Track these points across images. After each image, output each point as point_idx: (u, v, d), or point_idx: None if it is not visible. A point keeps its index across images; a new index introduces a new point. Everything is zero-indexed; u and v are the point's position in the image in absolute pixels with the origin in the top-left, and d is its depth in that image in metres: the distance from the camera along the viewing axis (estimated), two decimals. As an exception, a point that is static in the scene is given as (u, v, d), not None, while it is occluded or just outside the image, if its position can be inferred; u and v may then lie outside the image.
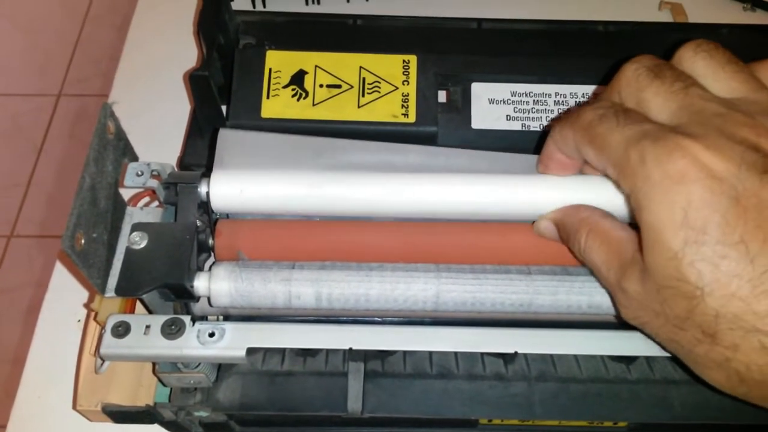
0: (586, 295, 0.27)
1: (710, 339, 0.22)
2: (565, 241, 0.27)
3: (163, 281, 0.26)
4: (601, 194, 0.27)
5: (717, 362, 0.22)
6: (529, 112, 0.37)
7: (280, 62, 0.37)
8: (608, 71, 0.36)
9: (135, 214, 0.29)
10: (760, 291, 0.20)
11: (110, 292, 0.26)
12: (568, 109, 0.37)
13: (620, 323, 0.28)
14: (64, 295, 0.37)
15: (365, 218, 0.29)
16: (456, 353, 0.29)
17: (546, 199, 0.28)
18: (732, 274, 0.21)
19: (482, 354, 0.29)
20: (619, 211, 0.27)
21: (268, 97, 0.36)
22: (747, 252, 0.20)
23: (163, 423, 0.31)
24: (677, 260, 0.21)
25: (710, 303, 0.21)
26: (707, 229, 0.21)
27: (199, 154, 0.36)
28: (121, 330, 0.26)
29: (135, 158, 0.29)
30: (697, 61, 0.25)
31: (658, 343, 0.25)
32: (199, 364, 0.27)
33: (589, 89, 0.37)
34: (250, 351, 0.27)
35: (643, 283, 0.23)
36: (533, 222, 0.29)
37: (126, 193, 0.30)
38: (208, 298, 0.28)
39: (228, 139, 0.29)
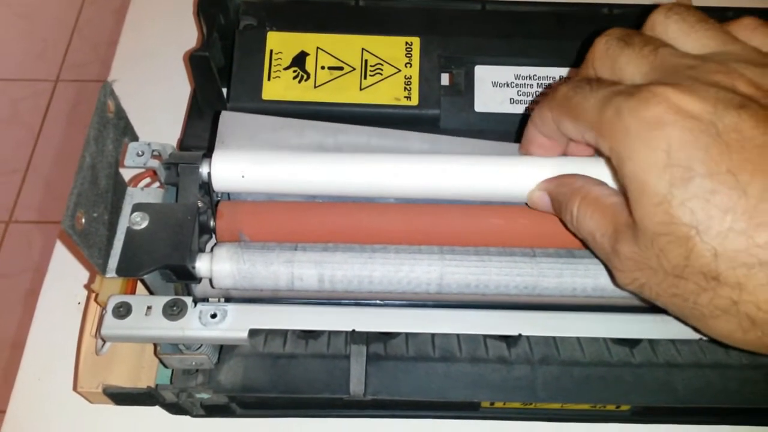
0: (592, 278, 0.27)
1: (714, 282, 0.21)
2: (558, 212, 0.27)
3: (165, 262, 0.26)
4: (591, 172, 0.27)
5: (723, 308, 0.21)
6: (532, 96, 0.37)
7: (281, 44, 0.37)
8: (579, 52, 0.36)
9: (135, 195, 0.29)
10: (758, 222, 0.20)
11: (111, 272, 0.26)
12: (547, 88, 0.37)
13: (625, 307, 0.28)
14: (64, 278, 0.37)
15: (367, 198, 0.29)
16: (459, 336, 0.29)
17: (536, 178, 0.27)
18: (725, 208, 0.20)
19: (485, 337, 0.29)
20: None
21: (269, 79, 0.36)
22: (737, 183, 0.20)
23: (165, 405, 0.31)
24: (666, 203, 0.21)
25: (707, 242, 0.21)
26: (692, 166, 0.21)
27: (200, 135, 0.36)
28: (123, 311, 0.26)
29: (135, 138, 0.29)
30: (669, 24, 0.25)
31: (660, 307, 0.24)
32: (201, 345, 0.27)
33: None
34: (252, 332, 0.27)
35: (636, 241, 0.22)
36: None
37: (126, 174, 0.29)
38: (210, 280, 0.27)
39: (229, 121, 0.29)
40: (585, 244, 0.26)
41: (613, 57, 0.25)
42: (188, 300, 0.27)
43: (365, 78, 0.36)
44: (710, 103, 0.21)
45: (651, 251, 0.22)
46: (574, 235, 0.26)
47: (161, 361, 0.28)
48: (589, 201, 0.25)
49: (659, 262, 0.22)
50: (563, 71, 0.37)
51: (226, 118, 0.29)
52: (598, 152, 0.25)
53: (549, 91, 0.28)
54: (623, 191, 0.23)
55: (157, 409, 0.31)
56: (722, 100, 0.21)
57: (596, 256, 0.26)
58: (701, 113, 0.21)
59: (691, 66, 0.23)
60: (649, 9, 0.41)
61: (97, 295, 0.28)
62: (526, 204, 0.28)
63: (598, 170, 0.26)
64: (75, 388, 0.30)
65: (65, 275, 0.37)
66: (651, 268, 0.22)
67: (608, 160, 0.23)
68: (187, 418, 0.32)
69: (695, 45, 0.24)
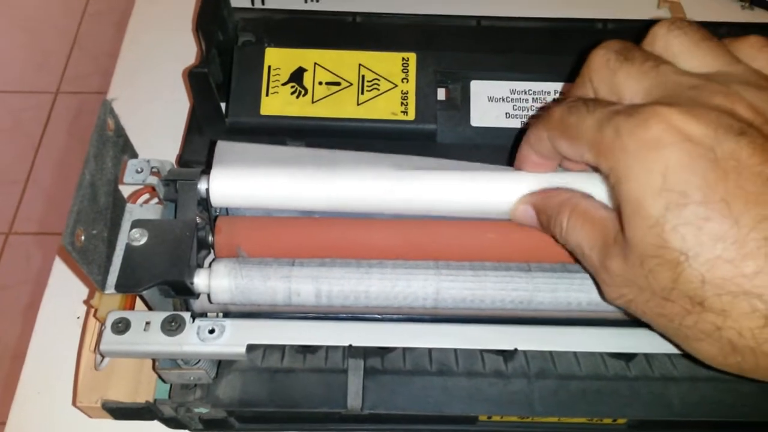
0: (586, 292, 0.27)
1: (699, 308, 0.21)
2: (545, 225, 0.27)
3: (163, 278, 0.26)
4: (579, 187, 0.27)
5: (707, 333, 0.22)
6: (528, 110, 0.37)
7: (279, 60, 0.37)
8: (574, 66, 0.36)
9: (135, 211, 0.29)
10: (746, 252, 0.20)
11: (110, 288, 0.26)
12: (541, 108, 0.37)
13: (620, 321, 0.28)
14: (64, 291, 0.37)
15: (364, 214, 0.29)
16: (456, 350, 0.29)
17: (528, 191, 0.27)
18: (716, 236, 0.20)
19: (482, 351, 0.29)
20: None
21: (267, 95, 0.36)
22: (730, 213, 0.20)
23: (163, 419, 0.31)
24: (659, 226, 0.21)
25: (696, 268, 0.21)
26: (688, 192, 0.21)
27: (199, 151, 0.36)
28: (121, 326, 0.26)
29: (135, 155, 0.29)
30: (671, 39, 0.25)
31: (645, 322, 0.24)
32: (199, 360, 0.27)
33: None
34: (250, 348, 0.27)
35: (625, 259, 0.23)
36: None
37: (125, 190, 0.30)
38: (208, 295, 0.28)
39: (225, 150, 0.29)
40: (573, 256, 0.26)
41: (612, 71, 0.25)
42: (186, 315, 0.27)
43: (362, 93, 0.36)
44: (711, 127, 0.21)
45: (640, 271, 0.22)
46: (563, 246, 0.26)
47: (160, 376, 0.28)
48: (578, 213, 0.25)
49: (647, 282, 0.22)
50: (558, 86, 0.38)
51: (222, 147, 0.29)
52: (594, 170, 0.25)
53: (543, 111, 0.27)
54: (617, 209, 0.23)
55: (156, 424, 0.32)
56: (722, 125, 0.21)
57: (585, 269, 0.26)
58: (701, 137, 0.21)
59: (693, 86, 0.23)
60: (644, 24, 0.41)
61: (96, 311, 0.28)
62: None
63: (586, 185, 0.27)
64: (74, 403, 0.30)
65: (65, 289, 0.37)
66: (639, 287, 0.23)
67: (606, 178, 0.23)
68: (186, 432, 0.32)
69: (698, 63, 0.24)
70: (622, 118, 0.22)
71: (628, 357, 0.29)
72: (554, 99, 0.37)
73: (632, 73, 0.24)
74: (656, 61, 0.24)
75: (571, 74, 0.37)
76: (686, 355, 0.24)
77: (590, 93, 0.26)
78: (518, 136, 0.31)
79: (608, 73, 0.25)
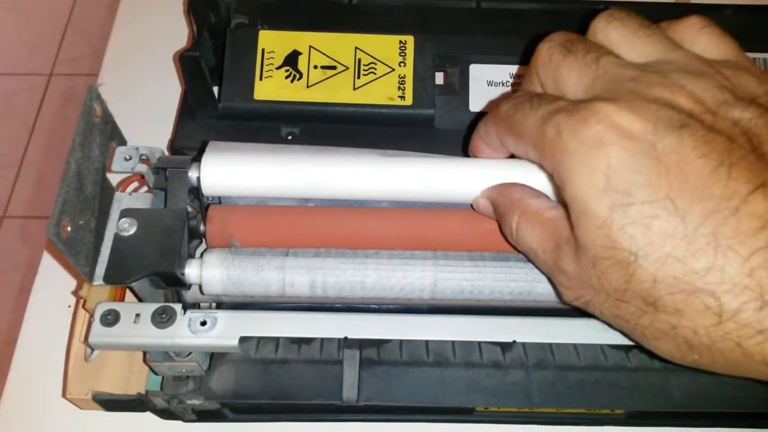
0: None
1: (652, 308, 0.21)
2: (499, 221, 0.26)
3: (153, 269, 0.25)
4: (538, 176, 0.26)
5: (663, 332, 0.21)
6: (528, 95, 0.36)
7: (273, 42, 0.36)
8: (525, 50, 0.36)
9: (123, 200, 0.28)
10: (696, 248, 0.20)
11: (98, 280, 0.26)
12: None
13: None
14: (55, 278, 0.37)
15: (357, 200, 0.28)
16: (453, 341, 0.29)
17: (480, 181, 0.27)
18: (665, 234, 0.20)
19: (480, 342, 0.29)
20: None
21: (261, 79, 0.35)
22: (675, 209, 0.20)
23: (156, 411, 0.30)
24: (606, 227, 0.21)
25: (646, 268, 0.20)
26: (631, 191, 0.20)
27: (191, 137, 0.35)
28: (111, 318, 0.26)
29: (123, 142, 0.29)
30: (610, 31, 0.24)
31: (606, 322, 0.24)
32: (191, 352, 0.27)
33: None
34: (243, 340, 0.26)
35: (578, 260, 0.22)
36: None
37: (114, 179, 0.29)
38: (200, 286, 0.27)
39: (216, 147, 0.28)
40: (528, 258, 0.26)
41: (556, 65, 0.24)
42: (177, 307, 0.26)
43: (358, 77, 0.36)
44: (650, 121, 0.20)
45: (593, 272, 0.22)
46: (514, 247, 0.26)
47: (151, 369, 0.28)
48: (528, 215, 0.25)
49: (601, 283, 0.22)
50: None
51: (213, 146, 0.28)
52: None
53: (493, 105, 0.27)
54: (565, 209, 0.23)
55: (148, 414, 0.31)
56: (663, 118, 0.21)
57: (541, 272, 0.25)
58: (641, 133, 0.20)
59: (632, 77, 0.22)
60: (644, 6, 0.41)
61: (85, 302, 0.27)
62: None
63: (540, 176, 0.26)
64: (64, 395, 0.30)
65: (56, 276, 0.37)
66: (594, 288, 0.22)
67: (551, 178, 0.23)
68: (179, 422, 0.32)
69: (638, 53, 0.24)
70: (563, 116, 0.22)
71: (627, 348, 0.29)
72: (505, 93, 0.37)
73: (574, 66, 0.24)
74: (597, 53, 0.23)
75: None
76: (647, 351, 0.24)
77: (538, 87, 0.26)
78: (475, 120, 0.30)
79: (552, 67, 0.24)
